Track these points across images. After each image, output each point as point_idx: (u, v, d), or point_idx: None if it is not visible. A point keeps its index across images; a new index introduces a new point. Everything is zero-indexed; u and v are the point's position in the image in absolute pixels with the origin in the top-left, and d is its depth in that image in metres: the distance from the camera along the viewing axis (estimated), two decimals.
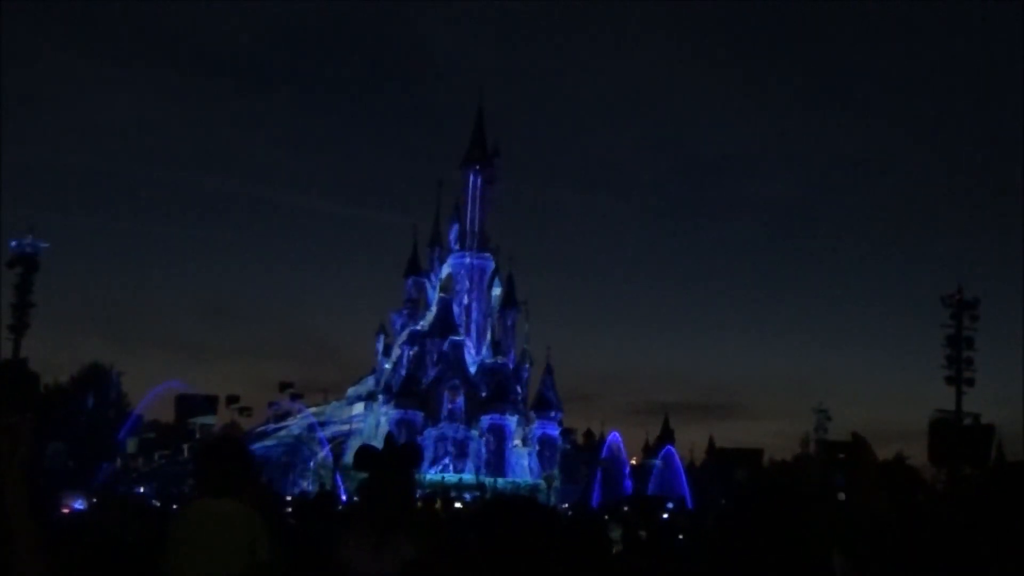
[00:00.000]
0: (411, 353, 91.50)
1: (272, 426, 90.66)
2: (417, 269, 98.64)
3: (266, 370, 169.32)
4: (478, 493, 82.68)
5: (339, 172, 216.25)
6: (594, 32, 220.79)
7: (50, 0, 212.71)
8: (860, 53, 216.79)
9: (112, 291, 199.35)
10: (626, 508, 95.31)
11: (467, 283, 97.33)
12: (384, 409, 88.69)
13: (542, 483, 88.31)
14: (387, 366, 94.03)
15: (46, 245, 65.76)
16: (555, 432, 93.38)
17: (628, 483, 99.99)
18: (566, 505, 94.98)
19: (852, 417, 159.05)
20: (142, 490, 73.22)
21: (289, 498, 65.50)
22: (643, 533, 16.67)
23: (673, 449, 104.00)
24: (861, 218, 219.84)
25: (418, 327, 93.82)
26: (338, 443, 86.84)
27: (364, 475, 8.95)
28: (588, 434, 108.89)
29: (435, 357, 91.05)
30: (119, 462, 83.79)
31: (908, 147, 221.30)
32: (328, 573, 8.33)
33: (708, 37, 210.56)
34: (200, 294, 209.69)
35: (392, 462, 8.98)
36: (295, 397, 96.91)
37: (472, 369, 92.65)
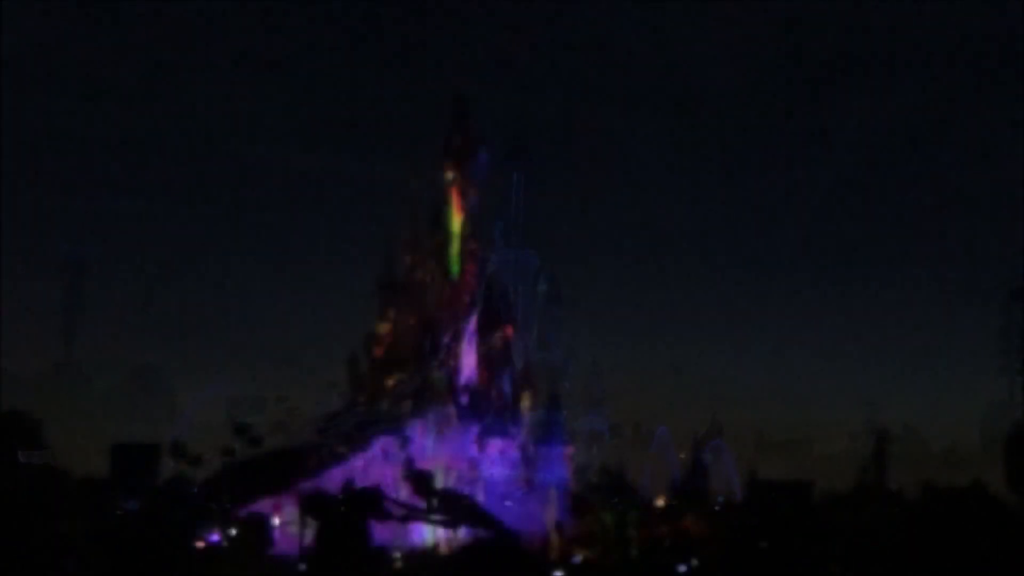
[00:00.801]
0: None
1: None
2: (392, 280, 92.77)
3: (215, 404, 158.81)
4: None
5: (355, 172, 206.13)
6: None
7: None
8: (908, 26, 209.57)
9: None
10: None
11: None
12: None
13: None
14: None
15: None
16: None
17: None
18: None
19: (913, 439, 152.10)
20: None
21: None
22: None
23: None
24: (909, 205, 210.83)
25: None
26: None
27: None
28: (604, 471, 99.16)
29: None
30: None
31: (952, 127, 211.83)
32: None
33: None
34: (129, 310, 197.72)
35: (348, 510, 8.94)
36: (254, 441, 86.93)
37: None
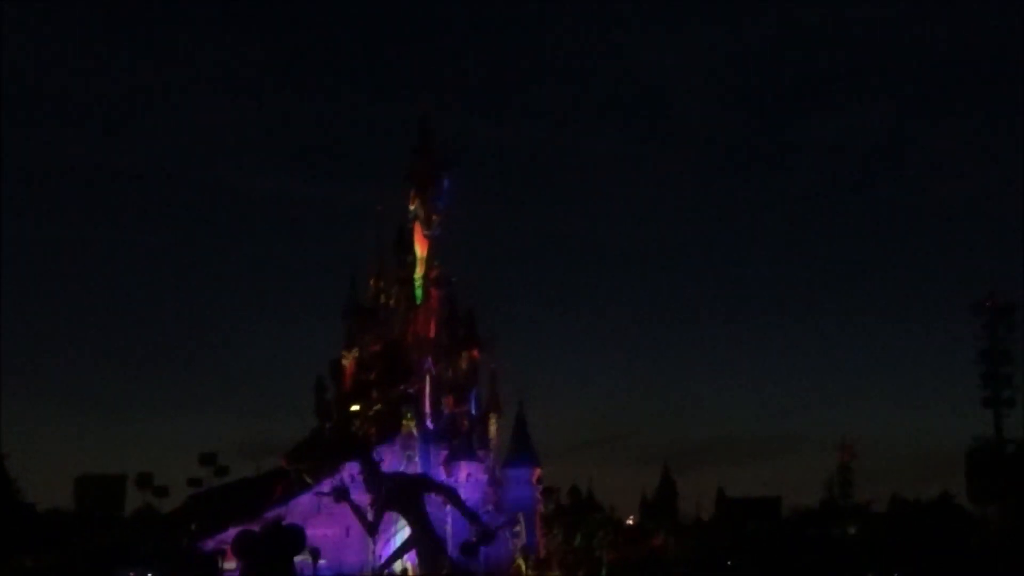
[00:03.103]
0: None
1: None
2: (357, 307, 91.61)
3: (186, 431, 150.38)
4: None
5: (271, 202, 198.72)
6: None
7: None
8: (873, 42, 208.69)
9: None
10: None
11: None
12: None
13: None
14: None
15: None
16: (531, 492, 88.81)
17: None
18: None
19: (882, 451, 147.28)
20: None
21: None
22: None
23: None
24: (878, 216, 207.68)
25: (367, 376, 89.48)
26: None
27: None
28: (574, 492, 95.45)
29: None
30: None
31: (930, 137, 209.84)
32: None
33: None
34: (93, 340, 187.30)
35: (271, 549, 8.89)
36: (220, 471, 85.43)
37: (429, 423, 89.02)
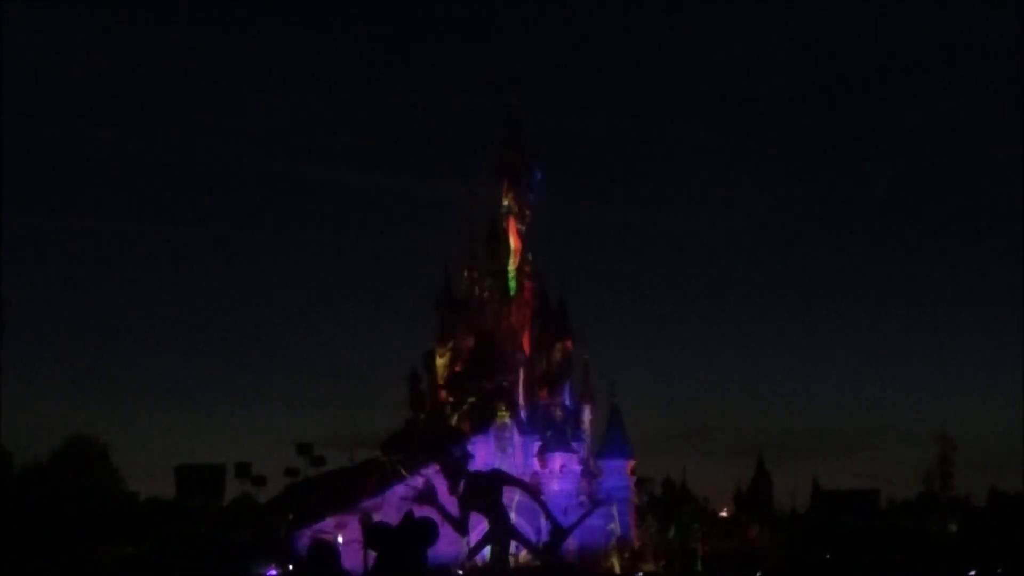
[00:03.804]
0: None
1: None
2: (450, 299, 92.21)
3: (280, 422, 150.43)
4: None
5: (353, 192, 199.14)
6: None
7: None
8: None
9: (84, 341, 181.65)
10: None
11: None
12: None
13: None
14: None
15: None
16: (625, 483, 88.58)
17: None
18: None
19: (977, 442, 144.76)
20: None
21: None
22: None
23: None
24: (968, 208, 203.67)
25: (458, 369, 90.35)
26: None
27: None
28: (668, 484, 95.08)
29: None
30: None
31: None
32: None
33: None
34: (192, 332, 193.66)
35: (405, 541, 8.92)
36: (317, 461, 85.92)
37: (523, 414, 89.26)
